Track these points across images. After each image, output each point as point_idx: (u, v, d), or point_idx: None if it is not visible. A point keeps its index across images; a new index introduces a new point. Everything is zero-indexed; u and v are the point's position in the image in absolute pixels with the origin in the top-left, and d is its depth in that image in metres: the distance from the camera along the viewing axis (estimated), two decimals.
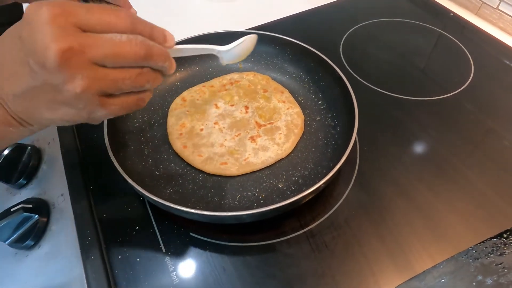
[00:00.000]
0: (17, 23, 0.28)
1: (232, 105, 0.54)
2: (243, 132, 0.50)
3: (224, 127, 0.51)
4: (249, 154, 0.48)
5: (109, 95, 0.29)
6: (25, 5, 0.75)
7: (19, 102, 0.29)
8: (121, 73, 0.29)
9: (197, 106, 0.54)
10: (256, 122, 0.51)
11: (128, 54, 0.28)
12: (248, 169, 0.47)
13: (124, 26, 0.28)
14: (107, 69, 0.28)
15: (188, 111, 0.53)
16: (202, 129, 0.51)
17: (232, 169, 0.46)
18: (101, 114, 0.30)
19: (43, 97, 0.28)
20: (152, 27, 0.30)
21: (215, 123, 0.51)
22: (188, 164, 0.48)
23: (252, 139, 0.49)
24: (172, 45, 0.32)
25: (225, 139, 0.49)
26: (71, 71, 0.26)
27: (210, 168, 0.46)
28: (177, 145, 0.49)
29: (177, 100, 0.55)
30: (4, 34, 0.29)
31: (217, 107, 0.54)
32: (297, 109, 0.53)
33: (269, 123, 0.51)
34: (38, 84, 0.27)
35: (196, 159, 0.47)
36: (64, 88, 0.26)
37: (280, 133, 0.50)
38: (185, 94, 0.56)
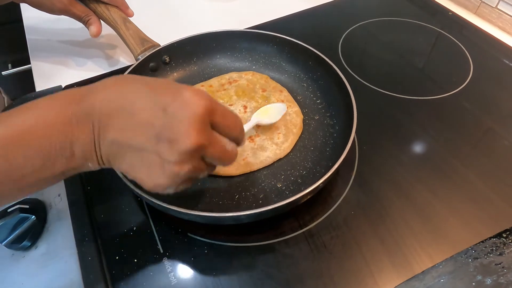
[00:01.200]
0: (167, 88, 0.30)
1: (230, 105, 0.54)
2: None
3: None
4: (248, 154, 0.47)
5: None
6: (22, 5, 0.75)
7: (114, 149, 0.30)
8: (210, 169, 0.34)
9: None
10: None
11: (226, 160, 0.33)
12: (246, 169, 0.46)
13: (235, 134, 0.33)
14: (203, 162, 0.32)
15: None
16: None
17: (231, 169, 0.46)
18: (169, 190, 0.32)
19: (140, 158, 0.30)
20: (243, 134, 0.35)
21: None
22: None
23: (251, 138, 0.49)
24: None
25: None
26: (188, 158, 0.29)
27: None
28: None
29: None
30: (143, 88, 0.30)
31: None
32: (296, 108, 0.53)
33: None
34: (149, 149, 0.29)
35: None
36: (170, 167, 0.29)
37: (279, 133, 0.50)
38: None
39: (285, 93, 0.55)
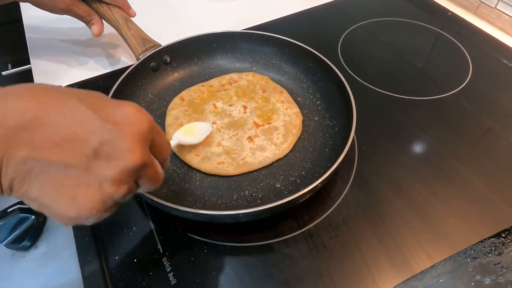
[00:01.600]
0: (105, 102, 0.27)
1: (230, 105, 0.54)
2: (241, 132, 0.50)
3: (222, 127, 0.51)
4: (247, 154, 0.48)
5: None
6: (22, 5, 0.75)
7: (24, 169, 0.24)
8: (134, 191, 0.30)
9: (195, 105, 0.53)
10: (254, 122, 0.51)
11: (158, 183, 0.31)
12: (245, 169, 0.46)
13: (166, 156, 0.32)
14: (135, 184, 0.29)
15: (186, 110, 0.53)
16: None
17: (229, 169, 0.46)
18: (91, 220, 0.27)
19: (63, 179, 0.24)
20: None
21: (213, 123, 0.51)
22: (185, 164, 0.47)
23: (250, 139, 0.49)
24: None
25: (223, 139, 0.49)
26: (127, 178, 0.26)
27: (207, 167, 0.46)
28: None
29: (176, 100, 0.55)
30: (72, 99, 0.25)
31: (215, 107, 0.53)
32: (295, 109, 0.53)
33: (267, 123, 0.51)
34: (79, 167, 0.24)
35: (193, 159, 0.47)
36: (107, 186, 0.25)
37: (278, 133, 0.50)
38: (183, 93, 0.56)
39: (285, 94, 0.55)
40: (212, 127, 0.51)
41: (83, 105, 0.25)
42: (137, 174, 0.27)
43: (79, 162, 0.24)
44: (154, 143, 0.29)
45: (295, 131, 0.50)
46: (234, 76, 0.58)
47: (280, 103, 0.54)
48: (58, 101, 0.25)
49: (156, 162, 0.30)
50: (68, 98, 0.25)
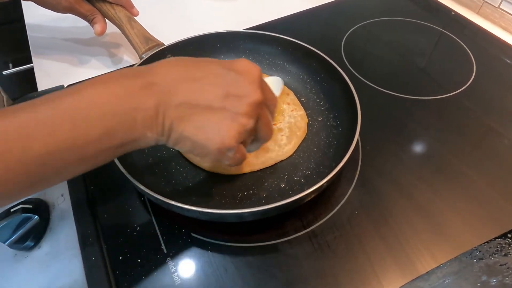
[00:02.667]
0: (220, 60, 0.35)
1: None
2: None
3: None
4: (249, 154, 0.47)
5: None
6: (24, 3, 0.75)
7: (181, 111, 0.31)
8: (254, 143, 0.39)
9: None
10: None
11: (269, 130, 0.37)
12: (247, 169, 0.46)
13: (273, 108, 0.37)
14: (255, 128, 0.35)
15: None
16: None
17: (232, 169, 0.46)
18: (230, 152, 0.33)
19: (209, 116, 0.32)
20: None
21: None
22: (189, 163, 0.47)
23: None
24: None
25: None
26: (254, 112, 0.33)
27: (209, 166, 0.46)
28: None
29: None
30: (200, 60, 0.34)
31: None
32: (301, 111, 0.52)
33: (272, 124, 0.51)
34: (217, 106, 0.31)
35: (197, 157, 0.47)
36: (240, 117, 0.32)
37: (282, 135, 0.50)
38: None
39: (291, 96, 0.55)
40: None
41: (211, 61, 0.34)
42: (261, 109, 0.34)
43: (217, 102, 0.31)
44: (264, 91, 0.34)
45: (300, 133, 0.50)
46: None
47: (286, 104, 0.53)
48: (193, 62, 0.34)
49: (270, 122, 0.36)
50: (197, 60, 0.34)
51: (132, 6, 0.60)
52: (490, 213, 0.44)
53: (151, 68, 0.32)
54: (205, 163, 0.46)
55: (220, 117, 0.31)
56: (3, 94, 0.71)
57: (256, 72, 0.34)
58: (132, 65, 0.53)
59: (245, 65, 0.34)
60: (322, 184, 0.38)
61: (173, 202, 0.37)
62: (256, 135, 0.36)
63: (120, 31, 0.59)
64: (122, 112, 0.29)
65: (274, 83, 0.52)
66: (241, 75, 0.33)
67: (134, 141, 0.31)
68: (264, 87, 0.34)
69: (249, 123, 0.32)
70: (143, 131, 0.30)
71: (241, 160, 0.35)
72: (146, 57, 0.53)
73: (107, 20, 0.60)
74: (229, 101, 0.32)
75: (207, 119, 0.31)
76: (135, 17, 0.59)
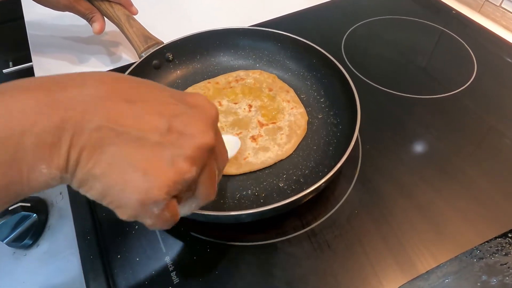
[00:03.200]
0: (174, 90, 0.28)
1: (235, 103, 0.53)
2: (244, 131, 0.50)
3: (225, 125, 0.50)
4: (249, 154, 0.47)
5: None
6: (24, 1, 0.75)
7: (97, 137, 0.22)
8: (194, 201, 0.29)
9: None
10: (259, 121, 0.51)
11: (212, 188, 0.29)
12: (246, 169, 0.46)
13: (222, 165, 0.30)
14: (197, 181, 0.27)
15: None
16: None
17: (231, 169, 0.46)
18: (157, 207, 0.24)
19: (136, 150, 0.23)
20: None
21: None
22: None
23: (253, 138, 0.49)
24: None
25: None
26: (199, 157, 0.25)
27: None
28: None
29: None
30: (146, 82, 0.27)
31: (220, 104, 0.53)
32: (301, 109, 0.52)
33: (272, 123, 0.51)
34: (153, 140, 0.23)
35: None
36: (181, 161, 0.24)
37: (282, 134, 0.49)
38: (189, 90, 0.55)
39: (292, 93, 0.55)
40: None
41: (159, 89, 0.27)
42: (207, 159, 0.26)
43: (154, 135, 0.23)
44: (218, 137, 0.28)
45: (300, 132, 0.50)
46: (241, 73, 0.58)
47: (286, 102, 0.53)
48: (136, 82, 0.26)
49: (215, 165, 0.28)
50: (143, 81, 0.27)
51: (131, 4, 0.60)
52: (491, 213, 0.43)
53: (72, 78, 0.23)
54: None
55: (152, 156, 0.23)
56: None
57: (212, 111, 0.27)
58: (132, 64, 0.52)
59: (201, 100, 0.27)
60: (321, 184, 0.38)
61: None
62: (195, 192, 0.28)
63: (119, 30, 0.59)
64: (1, 136, 0.20)
65: (231, 142, 0.45)
66: (194, 109, 0.26)
67: (18, 182, 0.21)
68: (218, 132, 0.28)
69: (191, 171, 0.24)
70: (34, 163, 0.21)
71: (170, 222, 0.26)
72: (146, 55, 0.53)
73: (106, 18, 0.60)
74: (171, 137, 0.24)
75: (133, 154, 0.23)
76: (134, 16, 0.59)
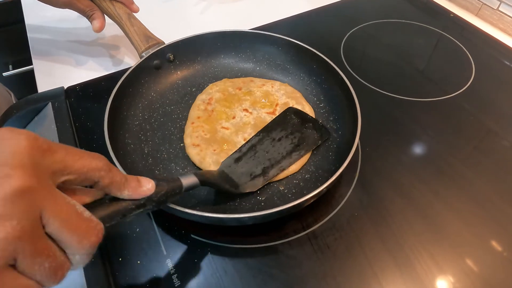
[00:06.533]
0: None
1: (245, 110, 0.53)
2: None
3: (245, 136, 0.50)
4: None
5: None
6: (24, 4, 0.75)
7: None
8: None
9: (229, 100, 0.53)
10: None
11: (86, 245, 0.22)
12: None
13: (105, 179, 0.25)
14: (52, 242, 0.21)
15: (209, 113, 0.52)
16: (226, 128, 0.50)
17: None
18: None
19: None
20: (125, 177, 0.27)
21: (244, 139, 0.49)
22: (189, 164, 0.47)
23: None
24: (149, 189, 0.29)
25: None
26: (11, 210, 0.19)
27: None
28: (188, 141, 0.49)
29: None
30: None
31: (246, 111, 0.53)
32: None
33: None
34: None
35: (197, 157, 0.47)
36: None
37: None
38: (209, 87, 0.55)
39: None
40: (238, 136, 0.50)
41: None
42: (31, 207, 0.20)
43: None
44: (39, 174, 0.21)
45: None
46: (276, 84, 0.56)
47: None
48: None
49: (77, 208, 0.22)
50: None
51: (131, 2, 0.59)
52: (488, 213, 0.44)
53: None
54: (194, 156, 0.46)
55: None
56: (10, 92, 0.71)
57: (21, 141, 0.21)
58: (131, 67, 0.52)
59: (7, 132, 0.21)
60: (323, 189, 0.38)
61: (172, 206, 0.37)
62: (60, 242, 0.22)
63: (120, 31, 0.59)
64: None
65: None
66: None
67: None
68: (39, 165, 0.21)
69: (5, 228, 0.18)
70: None
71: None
72: (147, 55, 0.53)
73: (106, 16, 0.59)
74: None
75: None
76: (135, 15, 0.59)
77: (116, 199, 0.28)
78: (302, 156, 0.47)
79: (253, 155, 0.46)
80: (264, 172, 0.45)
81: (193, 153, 0.47)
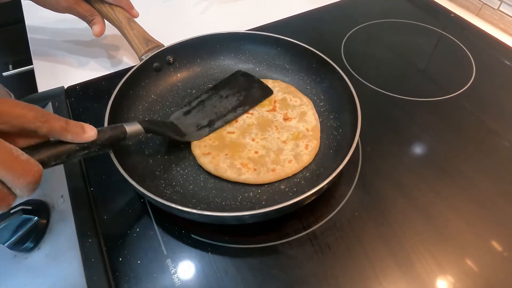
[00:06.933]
0: None
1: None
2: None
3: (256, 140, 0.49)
4: (262, 169, 0.46)
5: None
6: (24, 5, 0.75)
7: None
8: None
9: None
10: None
11: (19, 174, 0.25)
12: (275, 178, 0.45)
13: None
14: None
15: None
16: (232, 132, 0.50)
17: (233, 175, 0.46)
18: None
19: None
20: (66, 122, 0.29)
21: (252, 139, 0.49)
22: (189, 164, 0.47)
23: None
24: (92, 135, 0.33)
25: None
26: None
27: (211, 169, 0.46)
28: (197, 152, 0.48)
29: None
30: None
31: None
32: (315, 141, 0.49)
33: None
34: None
35: (200, 158, 0.47)
36: None
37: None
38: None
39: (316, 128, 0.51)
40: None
41: None
42: None
43: None
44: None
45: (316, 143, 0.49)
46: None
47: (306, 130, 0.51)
48: None
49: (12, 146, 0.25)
50: None
51: (131, 7, 0.60)
52: (490, 213, 0.44)
53: None
54: (207, 165, 0.46)
55: None
56: (10, 92, 0.71)
57: None
58: (132, 67, 0.52)
59: None
60: (323, 186, 0.38)
61: (173, 205, 0.37)
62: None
63: (119, 33, 0.59)
64: None
65: None
66: None
67: None
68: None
69: None
70: None
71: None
72: (146, 58, 0.54)
73: (106, 21, 0.60)
74: None
75: None
76: (134, 19, 0.59)
77: (61, 142, 0.31)
78: (246, 111, 0.52)
79: (201, 109, 0.52)
80: (210, 123, 0.50)
81: (206, 162, 0.47)
